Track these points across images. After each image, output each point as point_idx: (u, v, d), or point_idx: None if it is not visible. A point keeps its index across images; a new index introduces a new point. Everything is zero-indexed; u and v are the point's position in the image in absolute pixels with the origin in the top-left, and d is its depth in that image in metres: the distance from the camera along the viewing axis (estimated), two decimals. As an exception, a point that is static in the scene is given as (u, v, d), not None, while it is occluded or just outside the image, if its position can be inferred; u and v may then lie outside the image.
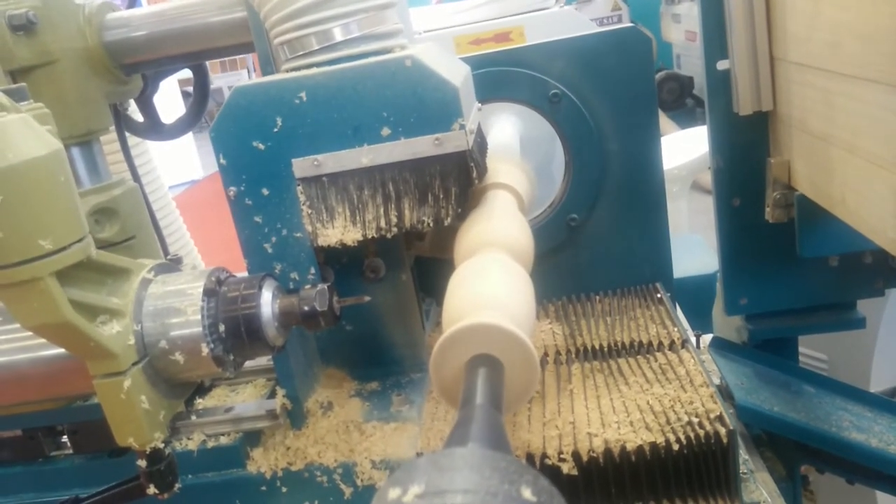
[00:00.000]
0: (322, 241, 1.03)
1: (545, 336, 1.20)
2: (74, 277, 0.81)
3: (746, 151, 1.20)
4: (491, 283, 0.85)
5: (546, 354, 1.13)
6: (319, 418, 1.11)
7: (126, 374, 0.86)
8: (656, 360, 1.05)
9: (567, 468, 0.86)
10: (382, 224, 1.01)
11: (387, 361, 1.21)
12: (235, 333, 0.91)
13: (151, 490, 0.92)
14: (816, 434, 1.15)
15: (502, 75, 1.30)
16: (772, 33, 1.08)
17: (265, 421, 1.02)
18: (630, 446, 0.86)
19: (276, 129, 0.99)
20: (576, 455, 0.87)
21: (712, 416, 0.88)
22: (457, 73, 1.03)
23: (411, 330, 1.20)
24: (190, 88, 1.58)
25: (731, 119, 1.17)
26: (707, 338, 1.41)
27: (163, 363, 0.90)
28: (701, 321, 1.47)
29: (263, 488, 1.07)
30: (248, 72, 10.07)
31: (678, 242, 1.46)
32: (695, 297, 1.49)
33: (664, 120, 5.77)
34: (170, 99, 6.45)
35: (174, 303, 0.90)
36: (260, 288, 0.92)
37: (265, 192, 1.02)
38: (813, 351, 1.79)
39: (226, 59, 8.75)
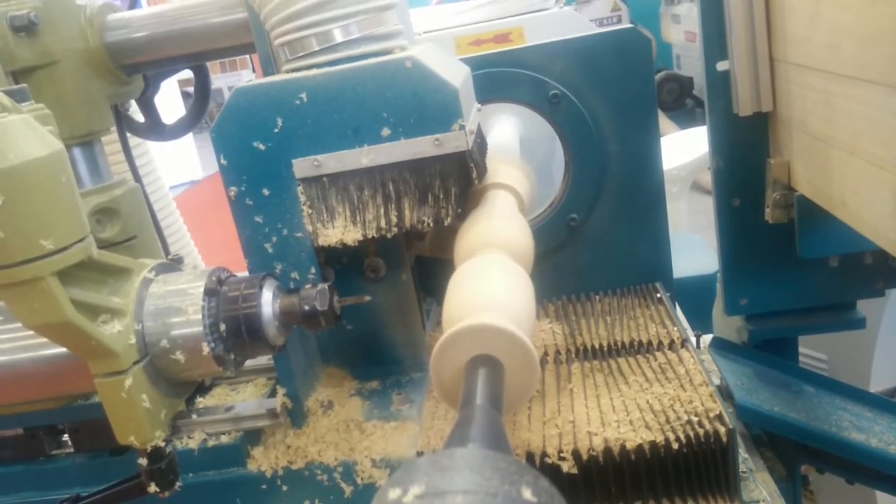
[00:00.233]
0: (322, 241, 1.03)
1: (545, 335, 1.20)
2: (76, 277, 0.81)
3: (746, 152, 1.20)
4: (491, 283, 0.85)
5: (546, 354, 1.13)
6: (320, 417, 1.11)
7: (127, 373, 0.86)
8: (656, 360, 1.05)
9: (567, 467, 0.87)
10: (382, 224, 1.01)
11: (387, 361, 1.21)
12: (236, 333, 0.91)
13: (152, 488, 0.92)
14: (816, 434, 1.15)
15: (502, 76, 1.30)
16: (771, 34, 1.08)
17: (266, 420, 1.02)
18: (630, 445, 0.86)
19: (276, 130, 1.00)
20: (576, 454, 0.87)
21: (712, 415, 0.88)
22: (457, 74, 1.03)
23: (411, 329, 1.20)
24: (190, 89, 1.58)
25: (730, 120, 1.17)
26: (707, 338, 1.41)
27: (164, 362, 0.90)
28: (701, 321, 1.47)
29: (264, 487, 1.08)
30: (253, 69, 10.00)
31: (678, 242, 1.46)
32: (695, 297, 1.49)
33: (664, 120, 5.77)
34: (170, 99, 6.45)
35: (175, 302, 0.90)
36: (260, 287, 0.92)
37: (266, 192, 1.02)
38: (813, 351, 1.79)
39: (226, 59, 8.74)
